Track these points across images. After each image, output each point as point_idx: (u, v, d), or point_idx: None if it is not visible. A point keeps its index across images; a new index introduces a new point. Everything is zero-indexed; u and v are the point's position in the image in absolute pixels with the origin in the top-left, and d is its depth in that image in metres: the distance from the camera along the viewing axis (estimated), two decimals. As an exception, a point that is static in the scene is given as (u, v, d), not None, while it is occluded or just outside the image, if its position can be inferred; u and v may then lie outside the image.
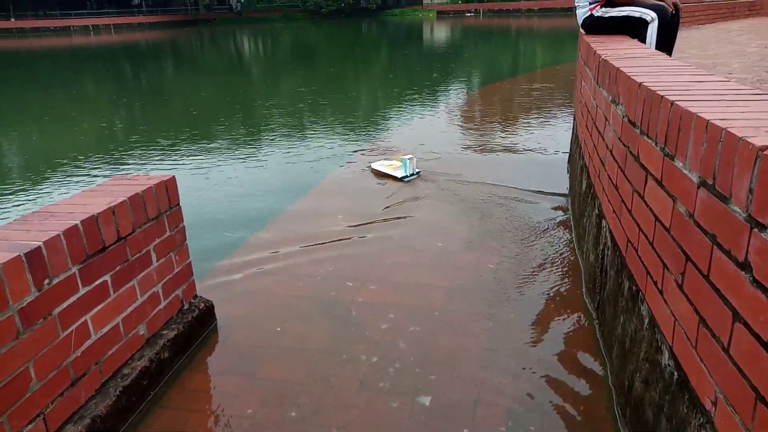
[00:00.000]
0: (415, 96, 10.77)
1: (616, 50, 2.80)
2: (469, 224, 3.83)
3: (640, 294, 1.76)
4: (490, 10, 53.88)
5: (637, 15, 3.57)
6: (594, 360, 2.31)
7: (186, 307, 2.51)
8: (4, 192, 5.52)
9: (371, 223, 3.92)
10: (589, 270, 2.82)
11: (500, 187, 4.55)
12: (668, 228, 1.48)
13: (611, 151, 2.26)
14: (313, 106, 10.18)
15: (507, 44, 25.35)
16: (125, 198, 2.03)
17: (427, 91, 11.37)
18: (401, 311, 2.74)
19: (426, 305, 2.80)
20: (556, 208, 4.04)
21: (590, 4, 3.77)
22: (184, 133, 8.19)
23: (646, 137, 1.70)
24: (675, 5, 3.58)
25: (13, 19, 50.63)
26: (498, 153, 5.85)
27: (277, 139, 7.45)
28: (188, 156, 6.60)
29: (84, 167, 6.35)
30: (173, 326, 2.38)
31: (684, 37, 9.69)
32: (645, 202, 1.71)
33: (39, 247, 1.65)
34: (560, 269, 3.13)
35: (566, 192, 4.35)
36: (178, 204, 2.40)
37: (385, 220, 3.98)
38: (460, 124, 7.97)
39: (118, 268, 2.01)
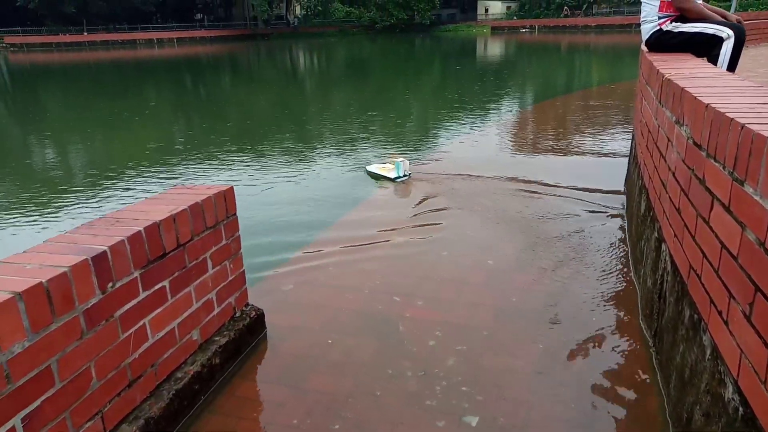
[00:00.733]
0: (465, 112, 10.73)
1: (681, 69, 2.72)
2: (519, 241, 3.77)
3: (703, 323, 1.68)
4: (545, 26, 53.35)
5: (710, 32, 3.40)
6: (650, 389, 2.22)
7: (238, 314, 2.57)
8: (71, 195, 5.81)
9: (422, 238, 3.92)
10: (646, 295, 2.72)
11: (554, 203, 4.47)
12: (736, 256, 1.42)
13: (673, 174, 2.19)
14: (364, 120, 10.29)
15: (562, 60, 25.00)
16: (186, 207, 2.10)
17: (478, 108, 11.31)
18: (448, 329, 2.72)
19: (474, 324, 2.76)
20: (611, 228, 3.93)
21: (659, 18, 3.65)
22: (240, 143, 8.43)
23: (712, 160, 1.63)
24: (739, 21, 3.44)
25: (85, 33, 53.64)
26: (552, 167, 5.75)
27: (329, 151, 7.56)
28: (243, 165, 6.78)
29: (145, 174, 6.61)
30: (225, 333, 2.43)
31: (751, 54, 9.32)
32: (710, 227, 1.64)
33: (105, 252, 1.72)
34: (615, 292, 3.03)
35: (623, 212, 4.23)
36: (235, 213, 2.46)
37: (434, 235, 3.96)
38: (510, 140, 7.89)
39: (176, 274, 2.08)
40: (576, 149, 6.80)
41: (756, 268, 1.29)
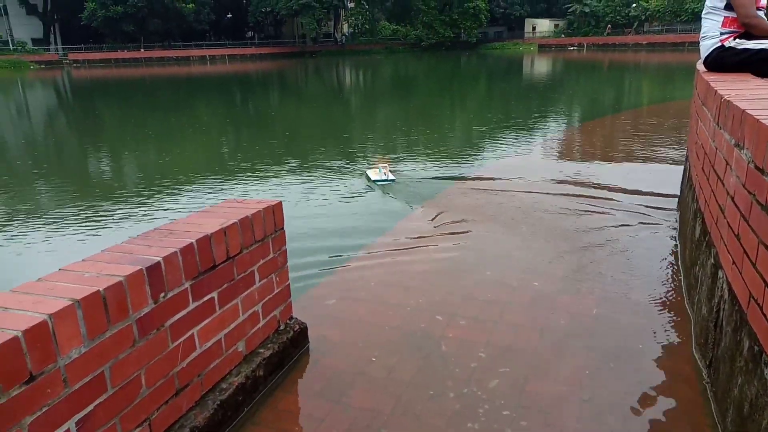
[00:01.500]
0: (511, 130, 10.65)
1: (740, 90, 2.63)
2: (567, 262, 3.69)
3: (764, 356, 1.60)
4: (594, 44, 52.58)
5: None
6: (704, 422, 2.12)
7: (282, 327, 2.59)
8: (126, 206, 6.03)
9: (467, 252, 3.88)
10: (700, 323, 2.61)
11: (603, 221, 4.36)
12: (802, 286, 1.35)
13: (732, 198, 2.10)
14: (409, 137, 10.34)
15: (611, 79, 24.55)
16: (236, 220, 2.15)
17: (524, 126, 11.21)
18: (492, 350, 2.67)
19: (518, 346, 2.71)
20: (663, 250, 3.80)
21: (722, 34, 3.51)
22: (287, 157, 8.59)
23: (776, 185, 1.56)
24: None
25: (142, 50, 56.07)
26: (602, 185, 5.63)
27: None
28: (290, 179, 6.90)
29: (197, 187, 6.81)
30: (269, 345, 2.46)
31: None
32: (773, 255, 1.57)
33: (158, 262, 1.77)
34: (667, 319, 2.92)
35: (676, 235, 4.09)
36: (283, 228, 2.50)
37: (478, 250, 3.92)
38: (556, 160, 7.78)
39: (224, 286, 2.12)
40: (627, 164, 6.66)
41: (825, 300, 1.22)
